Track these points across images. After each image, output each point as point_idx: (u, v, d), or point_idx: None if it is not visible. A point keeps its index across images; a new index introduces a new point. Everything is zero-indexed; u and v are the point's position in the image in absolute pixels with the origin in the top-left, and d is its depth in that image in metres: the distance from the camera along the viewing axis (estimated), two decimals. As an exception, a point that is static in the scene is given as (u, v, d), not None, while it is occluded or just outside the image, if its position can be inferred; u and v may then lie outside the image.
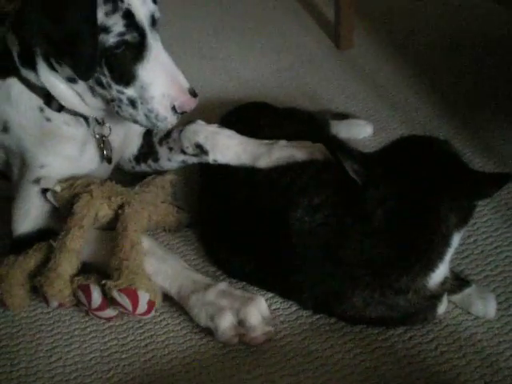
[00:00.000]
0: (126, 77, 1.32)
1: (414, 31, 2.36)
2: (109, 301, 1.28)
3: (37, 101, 1.41)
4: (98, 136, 1.50)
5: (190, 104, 1.36)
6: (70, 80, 1.38)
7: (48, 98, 1.41)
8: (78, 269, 1.34)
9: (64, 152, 1.45)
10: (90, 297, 1.30)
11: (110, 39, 1.26)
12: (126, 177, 1.67)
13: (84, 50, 1.24)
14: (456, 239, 1.19)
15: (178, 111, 1.36)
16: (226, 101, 1.98)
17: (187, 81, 1.37)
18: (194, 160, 1.55)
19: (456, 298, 1.29)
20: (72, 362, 1.29)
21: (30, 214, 1.43)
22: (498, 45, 2.18)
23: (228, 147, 1.48)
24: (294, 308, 1.33)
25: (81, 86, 1.38)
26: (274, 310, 1.33)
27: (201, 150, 1.50)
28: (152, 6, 1.34)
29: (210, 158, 1.50)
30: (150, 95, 1.33)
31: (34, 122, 1.42)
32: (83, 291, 1.30)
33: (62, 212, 1.41)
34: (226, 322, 1.24)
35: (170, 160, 1.61)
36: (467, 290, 1.29)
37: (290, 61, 2.28)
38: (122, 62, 1.31)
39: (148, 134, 1.65)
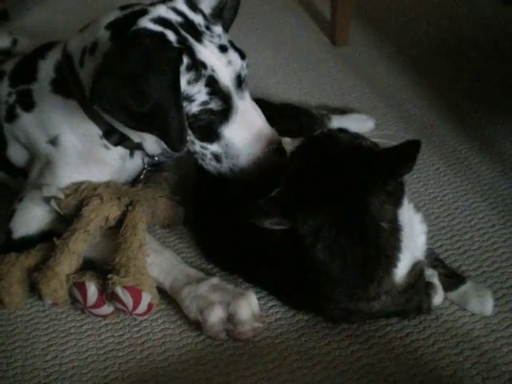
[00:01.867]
0: (211, 136, 1.29)
1: (410, 28, 2.35)
2: (109, 295, 1.27)
3: (97, 131, 1.37)
4: (145, 165, 1.50)
5: (276, 164, 1.29)
6: None
7: (109, 132, 1.37)
8: (76, 271, 1.33)
9: (105, 176, 1.43)
10: (86, 294, 1.29)
11: (194, 108, 1.23)
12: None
13: (171, 123, 1.18)
14: (404, 217, 1.11)
15: (264, 170, 1.31)
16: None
17: (273, 130, 1.33)
18: None
19: (452, 295, 1.29)
20: (68, 360, 1.29)
21: (36, 218, 1.42)
22: (495, 42, 2.18)
23: None
24: (290, 305, 1.33)
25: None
26: (271, 307, 1.33)
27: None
28: (238, 65, 1.29)
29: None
30: (236, 153, 1.30)
31: (92, 148, 1.39)
32: (79, 288, 1.30)
33: (69, 219, 1.39)
34: (214, 316, 1.25)
35: None
36: (463, 287, 1.28)
37: (287, 57, 2.27)
38: (206, 125, 1.27)
39: None
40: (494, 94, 1.91)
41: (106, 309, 1.31)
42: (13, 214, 1.43)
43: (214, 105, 1.24)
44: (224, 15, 1.35)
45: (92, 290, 1.29)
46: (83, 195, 1.39)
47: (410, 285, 1.16)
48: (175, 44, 1.20)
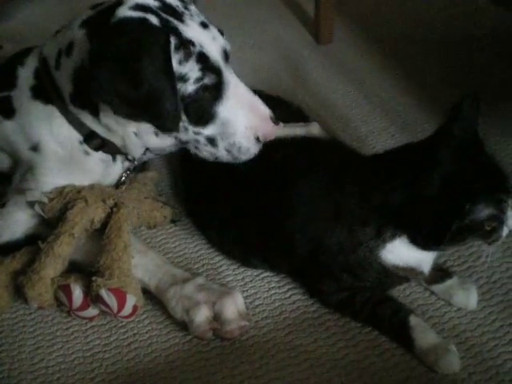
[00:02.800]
0: (205, 117, 1.28)
1: (395, 24, 2.36)
2: (93, 298, 1.27)
3: (77, 136, 1.36)
4: (124, 169, 1.48)
5: (273, 132, 1.32)
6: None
7: (89, 137, 1.35)
8: (61, 274, 1.32)
9: (89, 180, 1.42)
10: (71, 296, 1.29)
11: (189, 87, 1.22)
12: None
13: (166, 106, 1.17)
14: None
15: (262, 141, 1.32)
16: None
17: (267, 107, 1.32)
18: None
19: (438, 288, 1.30)
20: (55, 362, 1.28)
21: (20, 223, 1.41)
22: (482, 39, 2.18)
23: None
24: (277, 303, 1.33)
25: (146, 127, 1.31)
26: (257, 305, 1.33)
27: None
28: (222, 41, 1.29)
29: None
30: (232, 131, 1.29)
31: (72, 153, 1.37)
32: (64, 291, 1.29)
33: (54, 223, 1.38)
34: (200, 316, 1.24)
35: None
36: (449, 281, 1.29)
37: (271, 56, 2.27)
38: (200, 104, 1.26)
39: None
40: (480, 89, 1.91)
41: (92, 311, 1.31)
42: None
43: (208, 79, 1.23)
44: None
45: (77, 293, 1.29)
46: (67, 198, 1.38)
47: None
48: (160, 26, 1.20)
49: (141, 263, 1.33)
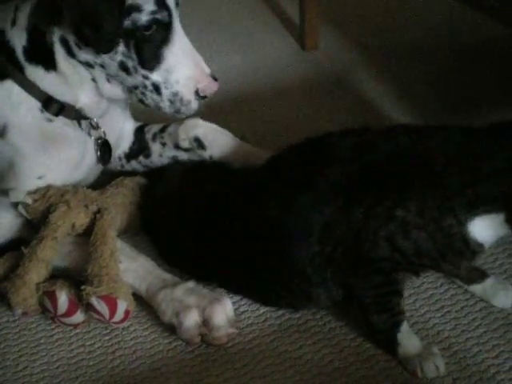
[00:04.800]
0: (153, 60, 1.31)
1: (381, 32, 2.36)
2: (84, 307, 1.27)
3: (36, 103, 1.38)
4: (94, 138, 1.49)
5: (212, 87, 1.36)
6: (88, 65, 1.35)
7: (47, 102, 1.38)
8: (45, 279, 1.32)
9: (67, 157, 1.43)
10: (56, 303, 1.28)
11: (143, 18, 1.26)
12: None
13: (107, 22, 1.22)
14: None
15: (201, 94, 1.35)
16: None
17: (207, 66, 1.38)
18: (185, 156, 1.59)
19: (477, 288, 1.30)
20: (39, 370, 1.27)
21: (3, 226, 1.41)
22: (467, 47, 2.20)
23: (228, 146, 1.55)
24: (262, 310, 1.33)
25: (97, 71, 1.36)
26: (243, 312, 1.33)
27: (198, 144, 1.55)
28: None
29: (207, 154, 1.56)
30: (175, 78, 1.33)
31: (36, 123, 1.39)
32: (49, 297, 1.29)
33: (36, 224, 1.39)
34: (190, 320, 1.24)
35: (162, 156, 1.63)
36: (488, 281, 1.29)
37: (256, 62, 2.28)
38: (151, 44, 1.30)
39: (140, 131, 1.66)
40: (467, 96, 1.93)
41: (77, 317, 1.31)
42: None
43: (161, 15, 1.28)
44: None
45: (63, 299, 1.28)
46: (50, 201, 1.39)
47: None
48: None
49: (130, 268, 1.33)
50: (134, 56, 1.30)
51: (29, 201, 1.38)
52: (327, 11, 2.41)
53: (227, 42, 2.40)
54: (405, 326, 1.18)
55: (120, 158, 1.66)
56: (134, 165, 1.66)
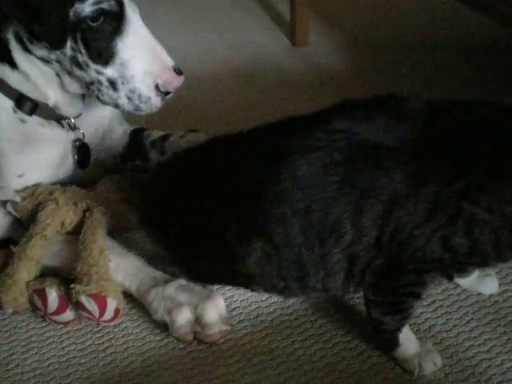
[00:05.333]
0: (105, 54, 1.24)
1: (371, 27, 2.37)
2: (73, 305, 1.27)
3: (9, 102, 1.35)
4: (72, 140, 1.45)
5: (174, 82, 1.28)
6: (45, 61, 1.30)
7: (19, 100, 1.35)
8: (35, 277, 1.31)
9: (44, 157, 1.41)
10: (46, 301, 1.28)
11: (86, 8, 1.18)
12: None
13: (53, 15, 1.16)
14: None
15: (162, 90, 1.28)
16: (180, 101, 1.96)
17: (171, 58, 1.29)
18: None
19: (466, 281, 1.30)
20: (30, 368, 1.27)
21: None
22: (460, 43, 2.21)
23: None
24: (254, 306, 1.33)
25: (56, 66, 1.30)
26: (234, 308, 1.33)
27: None
28: None
29: None
30: (131, 73, 1.26)
31: (10, 124, 1.36)
32: (39, 295, 1.28)
33: (25, 222, 1.39)
34: (182, 318, 1.24)
35: None
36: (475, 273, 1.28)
37: (247, 58, 2.28)
38: (100, 36, 1.23)
39: (136, 135, 1.64)
40: (459, 92, 1.93)
41: (68, 315, 1.30)
42: None
43: (107, 4, 1.20)
44: None
45: (53, 297, 1.28)
46: (39, 199, 1.39)
47: None
48: None
49: (121, 266, 1.32)
50: (83, 50, 1.24)
51: (17, 199, 1.38)
52: (318, 7, 2.41)
53: (216, 37, 2.40)
54: (406, 327, 1.16)
55: (115, 157, 1.65)
56: (129, 167, 1.63)
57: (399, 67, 2.10)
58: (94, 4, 1.19)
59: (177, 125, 1.80)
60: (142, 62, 1.26)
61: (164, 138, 1.60)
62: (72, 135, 1.45)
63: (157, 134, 1.62)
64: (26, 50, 1.30)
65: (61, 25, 1.18)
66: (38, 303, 1.29)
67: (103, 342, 1.30)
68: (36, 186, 1.41)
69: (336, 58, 2.21)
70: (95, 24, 1.21)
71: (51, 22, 1.17)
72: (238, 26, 2.50)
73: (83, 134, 1.46)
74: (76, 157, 1.47)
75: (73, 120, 1.43)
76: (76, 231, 1.38)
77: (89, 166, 1.53)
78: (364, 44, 2.26)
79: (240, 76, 2.17)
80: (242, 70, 2.20)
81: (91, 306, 1.25)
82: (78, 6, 1.18)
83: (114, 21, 1.23)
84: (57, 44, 1.22)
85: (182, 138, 1.55)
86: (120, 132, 1.64)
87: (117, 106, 1.32)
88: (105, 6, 1.20)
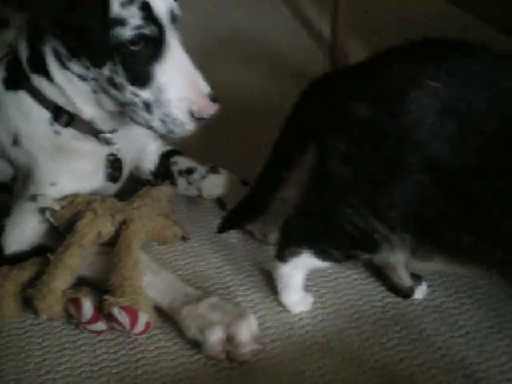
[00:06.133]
0: (142, 77, 1.26)
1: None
2: (105, 316, 1.27)
3: (46, 114, 1.38)
4: (106, 154, 1.47)
5: (209, 110, 1.29)
6: (82, 78, 1.32)
7: (56, 113, 1.37)
8: (70, 286, 1.32)
9: (77, 168, 1.43)
10: (81, 310, 1.29)
11: (127, 32, 1.20)
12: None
13: (97, 36, 1.18)
14: None
15: (196, 116, 1.29)
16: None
17: (207, 85, 1.30)
18: None
19: None
20: (62, 375, 1.27)
21: (27, 233, 1.40)
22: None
23: None
24: (286, 326, 1.33)
25: (92, 84, 1.32)
26: (267, 327, 1.33)
27: (220, 203, 1.53)
28: (171, 2, 1.29)
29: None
30: (167, 98, 1.27)
31: (45, 135, 1.39)
32: (73, 304, 1.29)
33: (62, 230, 1.40)
34: (214, 336, 1.23)
35: (187, 190, 1.63)
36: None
37: (285, 76, 2.29)
38: (139, 59, 1.24)
39: (166, 158, 1.66)
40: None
41: (101, 325, 1.31)
42: (2, 230, 1.42)
43: (148, 30, 1.22)
44: None
45: (87, 306, 1.28)
46: (78, 209, 1.40)
47: None
48: None
49: (153, 282, 1.32)
50: (121, 72, 1.25)
51: (56, 207, 1.40)
52: (359, 28, 2.42)
53: (256, 55, 2.42)
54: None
55: (147, 174, 1.68)
56: (160, 183, 1.65)
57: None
58: (136, 28, 1.21)
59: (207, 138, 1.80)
60: (178, 87, 1.27)
61: (189, 171, 1.62)
62: (106, 149, 1.47)
63: (183, 163, 1.64)
64: (63, 65, 1.32)
65: (103, 46, 1.20)
66: (73, 312, 1.30)
67: (135, 354, 1.30)
68: (75, 195, 1.43)
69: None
70: (135, 48, 1.23)
71: (94, 42, 1.19)
72: (277, 43, 2.53)
73: (118, 148, 1.48)
74: (109, 171, 1.49)
75: (108, 135, 1.45)
76: (111, 242, 1.40)
77: (121, 180, 1.55)
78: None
79: (277, 92, 2.18)
80: (281, 87, 2.21)
81: (123, 318, 1.25)
82: (119, 29, 1.21)
83: (154, 45, 1.25)
84: (98, 64, 1.24)
85: (204, 179, 1.57)
86: (152, 149, 1.67)
87: (150, 127, 1.33)
88: (146, 30, 1.23)
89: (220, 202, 1.54)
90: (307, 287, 1.37)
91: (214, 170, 1.57)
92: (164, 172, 1.66)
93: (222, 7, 2.89)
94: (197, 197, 1.63)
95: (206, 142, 1.91)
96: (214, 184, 1.55)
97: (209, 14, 2.81)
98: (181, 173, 1.63)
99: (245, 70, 2.35)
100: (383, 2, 2.82)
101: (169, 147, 1.70)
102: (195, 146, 1.74)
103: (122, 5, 1.21)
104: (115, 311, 1.25)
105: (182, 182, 1.63)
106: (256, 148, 1.83)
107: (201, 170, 1.59)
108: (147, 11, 1.22)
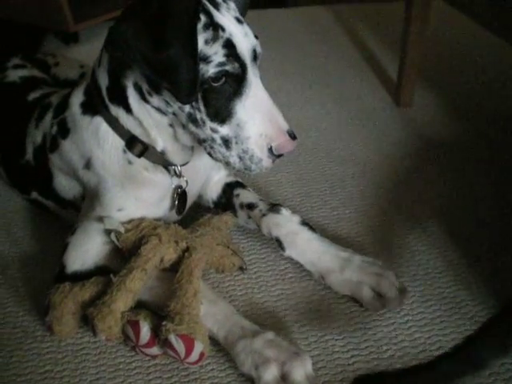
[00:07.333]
0: (222, 113, 1.27)
1: (477, 98, 2.37)
2: (161, 341, 1.28)
3: (121, 142, 1.41)
4: (174, 186, 1.49)
5: (288, 146, 1.29)
6: (161, 112, 1.34)
7: (131, 142, 1.40)
8: (130, 308, 1.34)
9: (144, 197, 1.45)
10: (139, 333, 1.30)
11: (210, 69, 1.22)
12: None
13: (184, 73, 1.17)
14: None
15: (275, 153, 1.29)
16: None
17: (286, 122, 1.30)
18: None
19: None
20: (115, 395, 1.29)
21: (90, 253, 1.43)
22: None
23: (304, 252, 1.50)
24: (339, 369, 1.32)
25: (171, 118, 1.35)
26: (320, 368, 1.33)
27: (278, 243, 1.52)
28: (254, 40, 1.30)
29: (286, 253, 1.52)
30: (247, 134, 1.28)
31: (117, 162, 1.42)
32: (132, 327, 1.31)
33: (125, 253, 1.43)
34: (269, 374, 1.23)
35: (247, 223, 1.64)
36: None
37: (349, 112, 2.31)
38: (220, 96, 1.25)
39: (229, 189, 1.68)
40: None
41: (156, 350, 1.32)
42: (66, 247, 1.45)
43: (231, 67, 1.23)
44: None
45: (145, 330, 1.30)
46: (143, 233, 1.43)
47: None
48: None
49: (210, 312, 1.33)
50: (202, 108, 1.26)
51: (122, 230, 1.43)
52: (425, 70, 2.43)
53: (323, 91, 2.45)
54: None
55: (208, 202, 1.71)
56: (221, 212, 1.67)
57: (504, 141, 2.08)
58: (219, 66, 1.22)
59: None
60: (258, 124, 1.28)
61: (250, 206, 1.62)
62: (175, 181, 1.49)
63: (245, 197, 1.65)
64: (144, 99, 1.34)
65: (192, 83, 1.20)
66: (131, 334, 1.32)
67: (189, 381, 1.31)
68: (141, 219, 1.46)
69: (439, 123, 2.21)
70: (217, 84, 1.24)
71: (183, 80, 1.19)
72: (343, 80, 2.56)
73: (186, 181, 1.50)
74: (176, 203, 1.52)
75: (179, 167, 1.47)
76: (172, 269, 1.42)
77: (184, 211, 1.58)
78: (470, 114, 2.26)
79: (342, 129, 2.20)
80: (345, 124, 2.24)
81: (179, 345, 1.26)
82: (203, 66, 1.22)
83: (236, 82, 1.26)
84: (185, 100, 1.24)
85: (264, 217, 1.55)
86: (215, 180, 1.70)
87: (227, 163, 1.33)
88: (229, 68, 1.24)
89: (278, 241, 1.53)
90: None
91: (275, 208, 1.56)
92: (225, 202, 1.68)
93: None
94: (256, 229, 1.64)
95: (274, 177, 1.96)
96: (274, 223, 1.53)
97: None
98: (242, 206, 1.64)
99: (308, 102, 2.38)
100: (448, 49, 2.82)
101: (233, 178, 1.72)
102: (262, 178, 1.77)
103: (206, 42, 1.22)
104: (172, 338, 1.26)
105: (242, 215, 1.64)
106: (318, 190, 1.87)
107: (262, 206, 1.59)
108: (230, 49, 1.23)
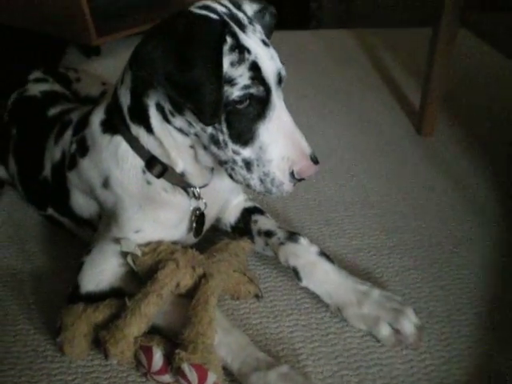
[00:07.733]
0: (245, 136, 1.26)
1: (497, 129, 2.35)
2: (174, 370, 1.26)
3: (140, 162, 1.39)
4: (192, 208, 1.47)
5: (310, 171, 1.27)
6: (183, 133, 1.33)
7: (150, 162, 1.38)
8: (144, 334, 1.32)
9: (162, 219, 1.44)
10: (151, 359, 1.29)
11: (235, 92, 1.20)
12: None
13: (208, 95, 1.16)
14: None
15: (297, 177, 1.27)
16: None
17: (309, 146, 1.29)
18: None
19: None
20: (124, 422, 1.28)
21: (105, 274, 1.42)
22: None
23: (321, 283, 1.48)
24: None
25: (193, 139, 1.33)
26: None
27: (295, 272, 1.50)
28: (279, 64, 1.28)
29: (303, 284, 1.50)
30: (269, 157, 1.26)
31: (136, 182, 1.40)
32: (145, 352, 1.29)
33: (141, 276, 1.42)
34: None
35: (264, 250, 1.61)
36: None
37: (369, 139, 2.30)
38: (243, 118, 1.24)
39: (247, 215, 1.67)
40: None
41: (168, 377, 1.30)
42: (81, 267, 1.44)
43: (255, 90, 1.22)
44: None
45: (158, 356, 1.28)
46: (160, 257, 1.41)
47: None
48: (219, 21, 1.22)
49: (224, 342, 1.31)
50: (225, 130, 1.25)
51: (138, 253, 1.41)
52: (448, 100, 2.41)
53: (342, 115, 2.44)
54: None
55: (226, 226, 1.69)
56: (238, 237, 1.65)
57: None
58: (244, 88, 1.21)
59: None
60: (281, 147, 1.26)
61: (267, 233, 1.59)
62: (194, 203, 1.47)
63: (264, 224, 1.63)
64: (165, 119, 1.33)
65: (216, 105, 1.19)
66: (143, 360, 1.30)
67: (200, 412, 1.29)
68: (158, 243, 1.44)
69: (461, 154, 2.19)
70: (241, 106, 1.23)
71: (208, 102, 1.17)
72: (363, 106, 2.54)
73: (205, 203, 1.49)
74: (194, 225, 1.50)
75: (198, 189, 1.46)
76: (187, 295, 1.40)
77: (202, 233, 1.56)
78: (493, 145, 2.24)
79: (359, 155, 2.18)
80: (364, 150, 2.22)
81: (192, 375, 1.24)
82: (227, 88, 1.20)
83: (260, 105, 1.25)
84: (208, 122, 1.23)
85: (281, 245, 1.53)
86: (234, 204, 1.68)
87: (248, 186, 1.32)
88: (253, 90, 1.22)
89: (295, 271, 1.50)
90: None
91: (293, 237, 1.54)
92: (243, 227, 1.66)
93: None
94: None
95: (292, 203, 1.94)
96: (291, 252, 1.51)
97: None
98: (259, 233, 1.61)
99: (328, 126, 2.38)
100: (472, 81, 2.81)
101: (251, 203, 1.71)
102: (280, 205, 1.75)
103: (232, 64, 1.21)
104: (185, 367, 1.24)
105: (259, 241, 1.62)
106: (337, 218, 1.85)
107: (280, 234, 1.57)
108: (256, 71, 1.22)
